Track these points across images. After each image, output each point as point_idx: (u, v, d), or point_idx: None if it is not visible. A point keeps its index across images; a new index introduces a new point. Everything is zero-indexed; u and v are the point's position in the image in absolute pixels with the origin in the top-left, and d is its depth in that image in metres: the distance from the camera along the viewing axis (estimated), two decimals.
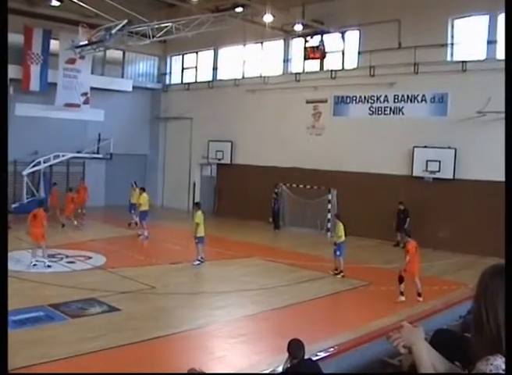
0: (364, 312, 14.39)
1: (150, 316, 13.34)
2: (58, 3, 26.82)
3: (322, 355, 7.09)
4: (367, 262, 20.77)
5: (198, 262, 19.24)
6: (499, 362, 2.45)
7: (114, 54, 34.61)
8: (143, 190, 25.48)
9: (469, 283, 14.58)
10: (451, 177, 23.26)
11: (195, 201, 26.88)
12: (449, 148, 23.28)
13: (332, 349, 7.55)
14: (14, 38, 29.71)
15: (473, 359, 2.58)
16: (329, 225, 26.16)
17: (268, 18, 24.80)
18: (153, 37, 25.01)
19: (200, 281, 17.66)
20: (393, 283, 16.27)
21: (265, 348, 11.61)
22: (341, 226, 18.46)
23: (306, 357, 7.08)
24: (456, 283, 17.08)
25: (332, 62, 28.15)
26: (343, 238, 18.27)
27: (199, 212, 19.67)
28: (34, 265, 17.80)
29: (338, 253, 18.21)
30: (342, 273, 18.02)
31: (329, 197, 26.59)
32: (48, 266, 17.82)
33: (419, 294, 15.29)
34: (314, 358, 6.94)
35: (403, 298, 15.15)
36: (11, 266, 17.02)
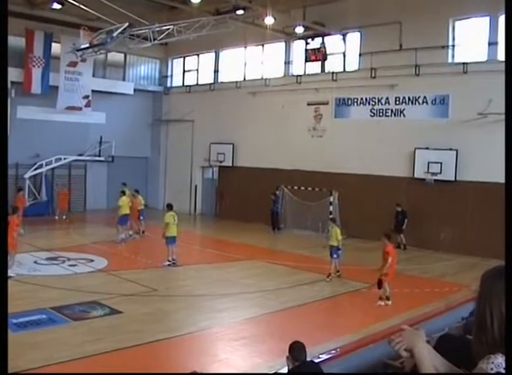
0: (366, 314, 14.39)
1: (152, 319, 13.35)
2: (59, 6, 26.81)
3: (324, 357, 7.08)
4: (368, 264, 20.69)
5: (168, 263, 19.31)
6: (500, 361, 2.47)
7: (115, 57, 34.63)
8: (136, 192, 25.52)
9: (471, 285, 14.56)
10: (453, 179, 23.26)
11: (192, 203, 26.76)
12: (451, 149, 23.28)
13: (334, 351, 7.54)
14: (16, 41, 29.79)
15: (474, 361, 2.59)
16: (330, 227, 26.16)
17: (269, 20, 24.81)
18: (154, 39, 24.99)
19: (202, 284, 17.63)
20: (395, 285, 16.28)
21: (267, 350, 11.60)
22: (338, 231, 18.42)
23: (308, 359, 7.08)
24: (457, 284, 17.07)
25: (333, 64, 28.17)
26: (340, 242, 18.18)
27: (170, 213, 19.70)
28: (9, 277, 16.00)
29: (335, 256, 18.07)
30: (330, 276, 17.83)
31: (331, 199, 26.58)
32: (9, 277, 15.83)
33: (388, 298, 15.16)
34: (316, 361, 6.94)
35: (388, 302, 15.04)
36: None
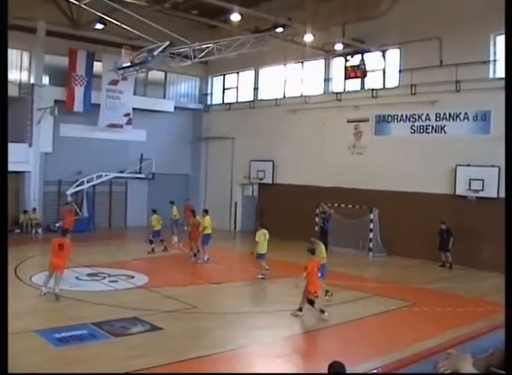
0: (408, 333, 14.17)
1: (192, 336, 13.34)
2: (102, 26, 27.32)
3: None
4: (410, 282, 20.51)
5: (261, 277, 20.21)
6: None
7: (156, 75, 35.08)
8: (206, 212, 25.11)
9: None
10: (495, 196, 22.83)
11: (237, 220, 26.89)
12: (493, 166, 22.92)
13: (375, 371, 7.45)
14: (59, 61, 30.56)
15: None
16: (371, 245, 25.95)
17: (308, 38, 24.89)
18: (194, 58, 25.22)
19: (241, 301, 17.61)
20: (437, 304, 16.05)
21: (309, 368, 11.50)
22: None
23: None
24: (500, 304, 16.70)
25: (372, 81, 28.10)
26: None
27: (261, 231, 20.60)
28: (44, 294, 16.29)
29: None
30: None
31: (371, 216, 26.38)
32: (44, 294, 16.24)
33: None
34: None
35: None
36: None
